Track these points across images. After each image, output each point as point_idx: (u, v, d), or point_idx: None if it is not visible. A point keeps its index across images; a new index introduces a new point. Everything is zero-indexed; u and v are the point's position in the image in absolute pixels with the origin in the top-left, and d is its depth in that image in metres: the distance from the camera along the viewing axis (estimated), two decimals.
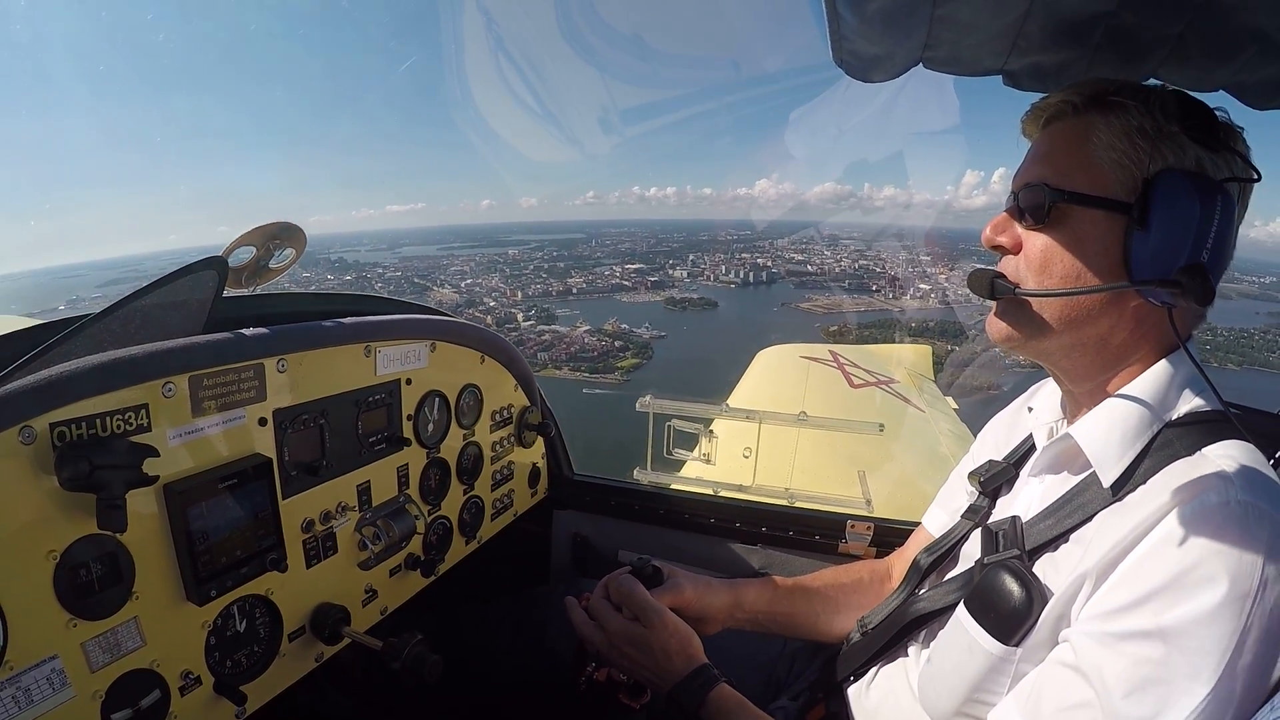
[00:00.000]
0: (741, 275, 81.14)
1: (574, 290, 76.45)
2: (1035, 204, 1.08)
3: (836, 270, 78.56)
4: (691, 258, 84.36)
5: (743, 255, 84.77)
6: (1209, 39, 1.17)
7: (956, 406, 8.26)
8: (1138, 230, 1.01)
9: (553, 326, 62.58)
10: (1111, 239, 1.04)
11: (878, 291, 71.96)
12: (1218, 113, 1.05)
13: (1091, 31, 1.21)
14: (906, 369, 9.42)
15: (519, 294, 73.63)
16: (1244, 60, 1.19)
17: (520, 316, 63.38)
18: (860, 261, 78.27)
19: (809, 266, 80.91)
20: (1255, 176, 1.04)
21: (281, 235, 1.31)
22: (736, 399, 7.13)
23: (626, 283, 78.97)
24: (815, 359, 8.70)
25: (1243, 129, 1.06)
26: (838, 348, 9.61)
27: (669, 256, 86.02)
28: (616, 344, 59.40)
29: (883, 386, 7.98)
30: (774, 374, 8.32)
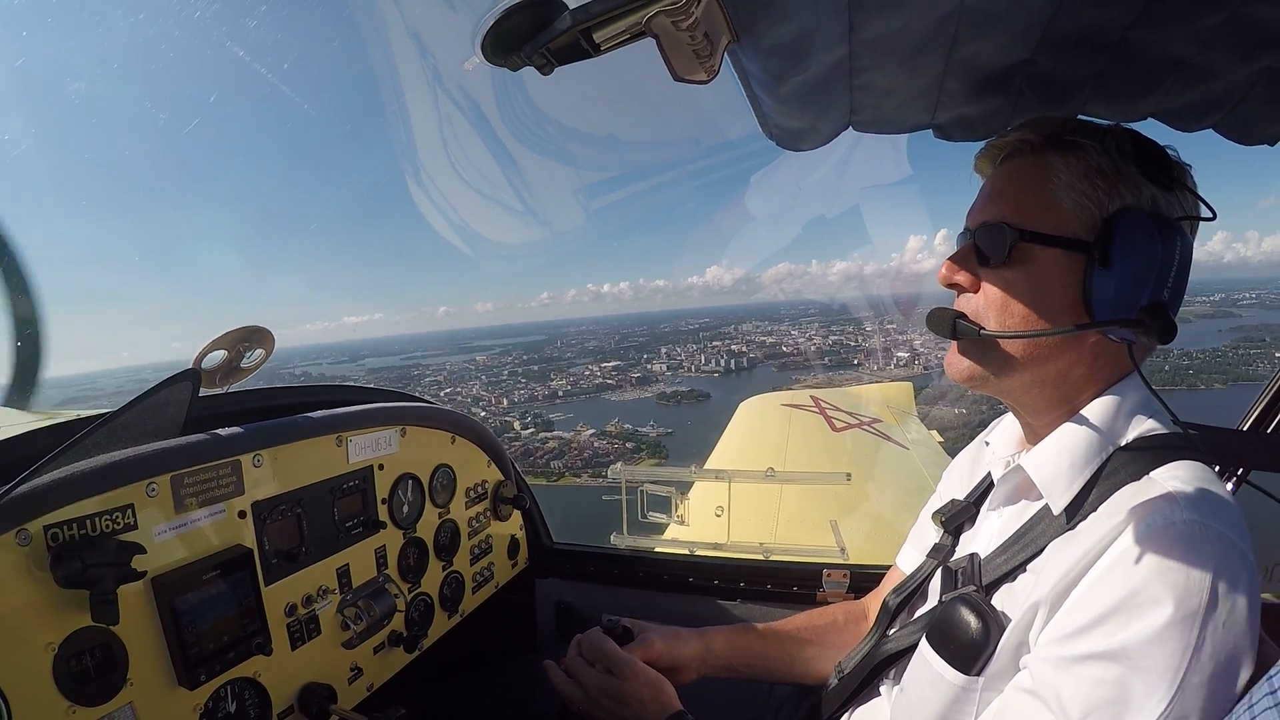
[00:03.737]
0: (721, 364, 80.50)
1: (560, 393, 74.79)
2: (996, 243, 1.08)
3: (812, 349, 77.89)
4: (665, 350, 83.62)
5: (714, 344, 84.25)
6: (1129, 73, 1.18)
7: (941, 440, 8.27)
8: (1099, 269, 1.01)
9: (554, 432, 60.07)
10: (1072, 277, 1.04)
11: (860, 365, 70.71)
12: (1168, 151, 1.06)
13: (1012, 80, 1.21)
14: (889, 407, 9.37)
15: (504, 400, 71.62)
16: (1166, 89, 1.20)
17: (518, 425, 61.11)
18: (832, 337, 77.93)
19: (784, 348, 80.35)
20: (1210, 215, 1.05)
21: (250, 338, 1.41)
22: (719, 452, 7.11)
23: (610, 381, 77.62)
24: (797, 405, 8.68)
25: (1191, 167, 1.08)
26: (819, 392, 9.61)
27: (640, 351, 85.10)
28: (627, 445, 56.94)
29: (865, 427, 7.94)
30: (756, 425, 8.28)
